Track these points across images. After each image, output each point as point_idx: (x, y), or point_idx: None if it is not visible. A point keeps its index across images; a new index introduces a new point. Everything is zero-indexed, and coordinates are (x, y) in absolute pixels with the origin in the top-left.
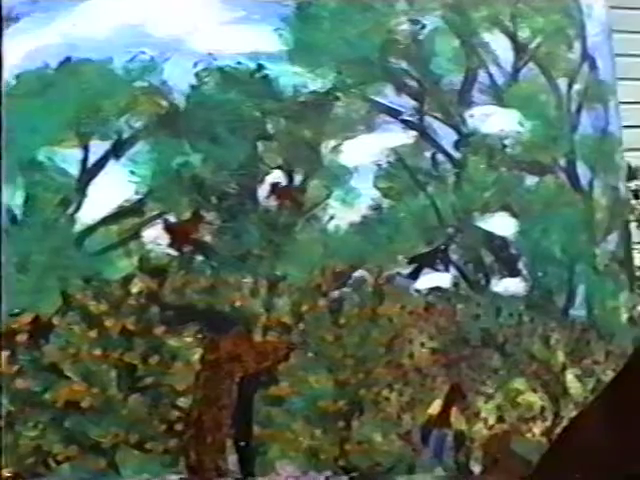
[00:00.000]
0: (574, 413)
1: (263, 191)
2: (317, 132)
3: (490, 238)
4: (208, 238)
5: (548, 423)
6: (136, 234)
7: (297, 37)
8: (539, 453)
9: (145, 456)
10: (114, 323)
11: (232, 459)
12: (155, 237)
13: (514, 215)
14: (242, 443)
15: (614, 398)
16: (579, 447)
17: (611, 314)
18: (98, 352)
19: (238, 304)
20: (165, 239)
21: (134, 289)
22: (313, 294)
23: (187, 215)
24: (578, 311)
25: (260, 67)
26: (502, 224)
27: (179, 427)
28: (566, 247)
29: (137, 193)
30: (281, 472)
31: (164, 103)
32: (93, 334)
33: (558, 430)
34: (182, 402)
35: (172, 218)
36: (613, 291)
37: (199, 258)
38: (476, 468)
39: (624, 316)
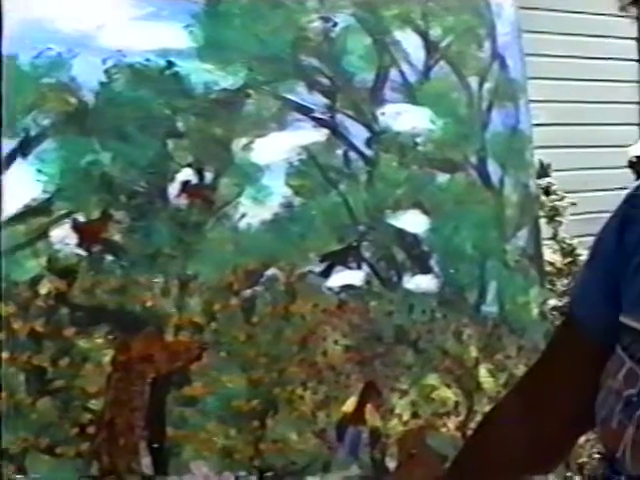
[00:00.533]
0: (487, 408)
1: (173, 189)
2: (228, 130)
3: (402, 235)
4: (118, 237)
5: (462, 418)
6: (44, 234)
7: (207, 34)
8: (454, 447)
9: (56, 461)
10: (22, 325)
11: (146, 461)
12: (63, 237)
13: (426, 212)
14: (156, 444)
15: (527, 392)
16: (494, 441)
17: (522, 309)
18: (5, 355)
19: (149, 304)
20: (74, 239)
21: (42, 290)
22: (225, 293)
23: (96, 214)
24: (490, 307)
25: (170, 64)
26: (414, 221)
27: (91, 430)
28: (477, 244)
29: (45, 192)
30: (196, 472)
31: (72, 100)
32: (1, 337)
33: (472, 425)
34: (94, 404)
35: (81, 217)
36: (523, 286)
37: (109, 258)
38: (392, 464)
39: (535, 311)
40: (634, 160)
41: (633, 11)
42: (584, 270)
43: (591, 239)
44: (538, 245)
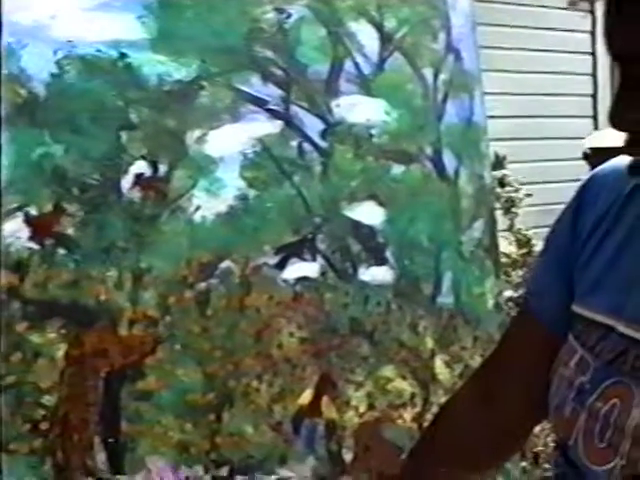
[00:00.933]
0: (443, 399)
1: (127, 182)
2: (182, 122)
3: (357, 227)
4: (70, 231)
5: (418, 409)
6: None
7: (160, 25)
8: (410, 439)
9: (9, 457)
10: None
11: (101, 457)
12: (15, 230)
13: (381, 204)
14: (110, 440)
15: (482, 383)
16: (450, 432)
17: (477, 300)
18: None
19: (102, 298)
20: (25, 232)
21: None
22: (179, 286)
23: (48, 207)
24: (445, 298)
25: (123, 55)
26: (369, 213)
27: (44, 426)
28: (433, 235)
29: None
30: (152, 468)
31: (22, 92)
32: None
33: (428, 416)
34: (47, 400)
35: (32, 211)
36: (479, 278)
37: (61, 251)
38: (348, 456)
39: (490, 302)
40: (588, 152)
41: (584, 5)
42: (539, 261)
43: (547, 230)
44: (494, 236)
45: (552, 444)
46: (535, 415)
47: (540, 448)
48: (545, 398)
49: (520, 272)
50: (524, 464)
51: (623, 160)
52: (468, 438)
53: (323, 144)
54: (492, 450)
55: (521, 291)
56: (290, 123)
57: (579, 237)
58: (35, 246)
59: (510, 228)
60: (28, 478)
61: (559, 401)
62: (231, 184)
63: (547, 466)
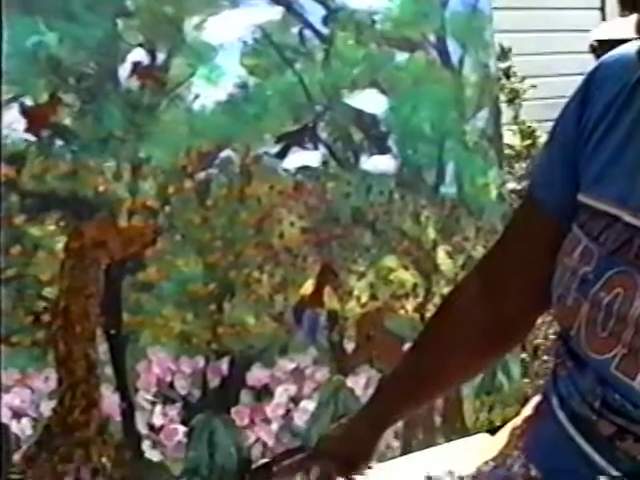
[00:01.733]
0: (446, 290)
1: (124, 71)
2: (179, 8)
3: (359, 115)
4: (67, 121)
5: (420, 299)
6: None
7: None
8: (412, 329)
9: (11, 350)
10: None
11: (103, 348)
12: (10, 122)
13: (383, 92)
14: (112, 331)
15: (487, 273)
16: (454, 322)
17: (480, 191)
18: None
19: (101, 189)
20: (22, 123)
21: None
22: (179, 176)
23: (44, 98)
24: (448, 188)
25: None
26: (371, 101)
27: (46, 318)
28: (436, 124)
29: None
30: (153, 359)
31: None
32: None
33: (430, 306)
34: (48, 292)
35: (28, 101)
36: (482, 168)
37: (59, 142)
38: (349, 346)
39: (493, 193)
40: (595, 44)
41: None
42: (544, 152)
43: (551, 124)
44: (498, 127)
45: (552, 336)
46: (538, 305)
47: (540, 340)
48: (548, 289)
49: (524, 164)
50: (523, 356)
51: (631, 48)
52: (472, 328)
53: (325, 30)
54: (495, 340)
55: (525, 183)
56: (291, 9)
57: (585, 127)
58: (32, 137)
59: (514, 119)
60: (31, 369)
61: (562, 291)
62: (231, 72)
63: (546, 358)
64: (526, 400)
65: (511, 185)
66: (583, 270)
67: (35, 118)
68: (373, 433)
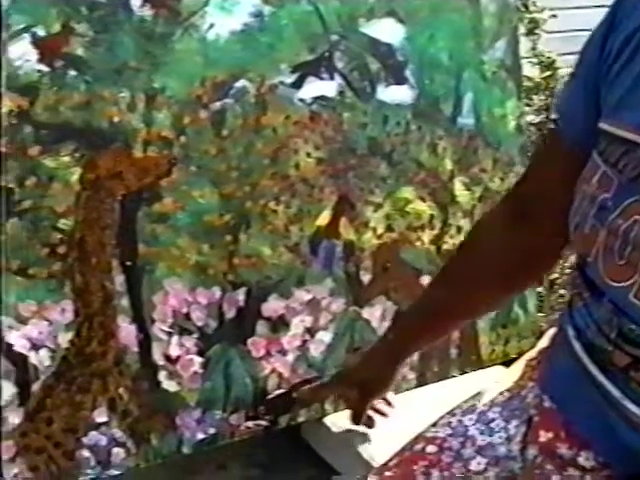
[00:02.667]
0: (462, 221)
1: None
2: None
3: (376, 45)
4: (80, 51)
5: (436, 231)
6: (2, 50)
7: None
8: (428, 261)
9: (28, 282)
10: None
11: (119, 279)
12: (23, 53)
13: (400, 21)
14: (128, 262)
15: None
16: (481, 251)
17: (498, 122)
18: None
19: (116, 119)
20: (34, 54)
21: (3, 109)
22: (194, 106)
23: (56, 28)
24: (465, 119)
25: None
26: (388, 30)
27: (62, 250)
28: (453, 54)
29: None
30: (169, 290)
31: None
32: None
33: (447, 238)
34: (63, 224)
35: (40, 31)
36: (500, 99)
37: (72, 73)
38: (366, 277)
39: (511, 124)
40: None
41: None
42: (568, 81)
43: (570, 57)
44: (516, 57)
45: (569, 270)
46: (563, 236)
47: (556, 275)
48: None
49: (542, 96)
50: (540, 290)
51: None
52: (496, 259)
53: None
54: (523, 270)
55: (543, 116)
56: None
57: (609, 54)
58: (45, 68)
59: (533, 49)
60: (48, 301)
61: (580, 218)
62: (245, 1)
63: (562, 292)
64: (541, 333)
65: (530, 117)
66: (602, 197)
67: (47, 48)
68: (391, 362)
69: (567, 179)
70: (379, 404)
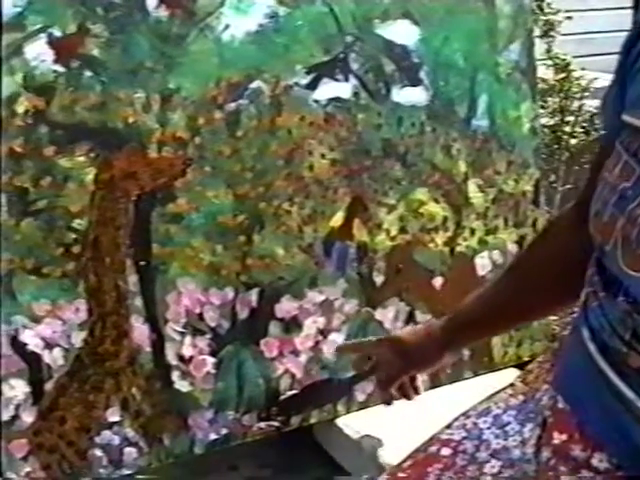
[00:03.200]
0: (475, 223)
1: (152, 0)
2: None
3: (391, 46)
4: (96, 52)
5: (450, 233)
6: (18, 50)
7: None
8: (441, 262)
9: (42, 281)
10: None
11: (132, 279)
12: (39, 53)
13: (415, 23)
14: (142, 262)
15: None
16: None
17: (513, 124)
18: None
19: (131, 120)
20: (50, 55)
21: (20, 109)
22: (209, 107)
23: (72, 28)
24: (480, 121)
25: None
26: (403, 32)
27: (76, 249)
28: (468, 55)
29: (16, 6)
30: (182, 290)
31: None
32: None
33: (460, 240)
34: (78, 224)
35: (56, 32)
36: (515, 101)
37: (87, 73)
38: (379, 279)
39: (526, 126)
40: None
41: None
42: (609, 85)
43: (585, 60)
44: (531, 59)
45: None
46: None
47: None
48: None
49: (557, 98)
50: None
51: None
52: (562, 259)
53: None
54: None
55: (557, 118)
56: None
57: (635, 53)
58: (60, 68)
59: (548, 52)
60: (62, 300)
61: (600, 206)
62: (261, 1)
63: None
64: (554, 336)
65: (544, 120)
66: (622, 186)
67: (63, 49)
68: (441, 345)
69: None
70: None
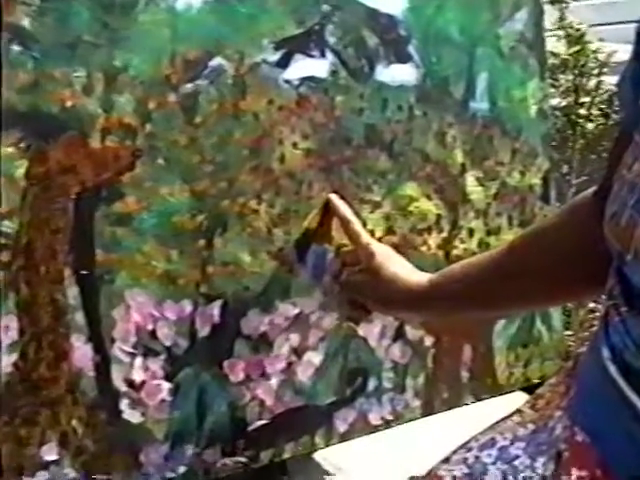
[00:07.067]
0: (474, 222)
1: None
2: None
3: (374, 16)
4: (26, 23)
5: (445, 234)
6: None
7: None
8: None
9: None
10: None
11: (72, 291)
12: None
13: None
14: (83, 272)
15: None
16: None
17: (518, 106)
18: None
19: (69, 104)
20: None
21: None
22: (161, 88)
23: None
24: (479, 103)
25: None
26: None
27: (5, 257)
28: (465, 26)
29: None
30: (132, 303)
31: None
32: None
33: (456, 242)
34: (7, 227)
35: None
36: (520, 79)
37: (16, 48)
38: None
39: (533, 108)
40: None
41: None
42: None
43: (605, 29)
44: (539, 29)
45: None
46: None
47: None
48: None
49: (570, 75)
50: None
51: None
52: (571, 244)
53: None
54: (590, 268)
55: (571, 98)
56: None
57: None
58: None
59: (560, 21)
60: None
61: (617, 208)
62: None
63: (593, 306)
64: (568, 354)
65: (555, 101)
66: None
67: None
68: (414, 298)
69: None
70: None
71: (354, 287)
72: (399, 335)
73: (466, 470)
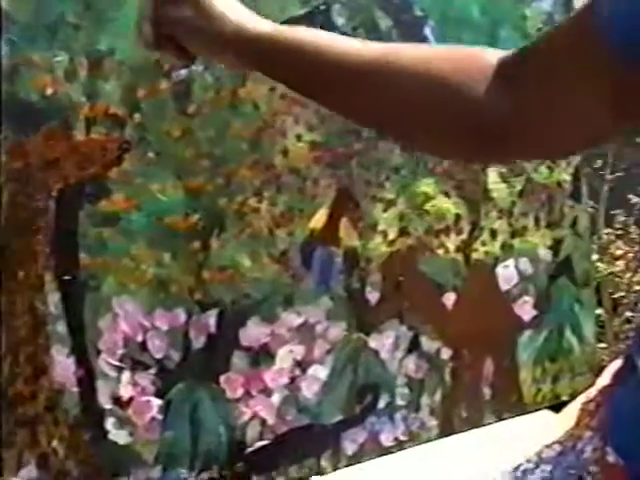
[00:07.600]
0: (497, 223)
1: None
2: None
3: None
4: (4, 3)
5: (464, 236)
6: None
7: None
8: (454, 274)
9: None
10: None
11: (54, 298)
12: None
13: None
14: (66, 277)
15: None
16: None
17: None
18: None
19: (50, 91)
20: None
21: None
22: (151, 74)
23: None
24: None
25: None
26: None
27: None
28: (487, 6)
29: None
30: (119, 312)
31: None
32: None
33: (477, 245)
34: None
35: None
36: None
37: None
38: (373, 295)
39: None
40: None
41: None
42: None
43: None
44: (568, 9)
45: (638, 287)
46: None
47: (621, 293)
48: None
49: None
50: (599, 312)
51: None
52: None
53: None
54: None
55: None
56: None
57: None
58: None
59: None
60: None
61: None
62: None
63: (630, 315)
64: (601, 368)
65: None
66: None
67: None
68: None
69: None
70: None
71: (174, 22)
72: (414, 347)
73: None
